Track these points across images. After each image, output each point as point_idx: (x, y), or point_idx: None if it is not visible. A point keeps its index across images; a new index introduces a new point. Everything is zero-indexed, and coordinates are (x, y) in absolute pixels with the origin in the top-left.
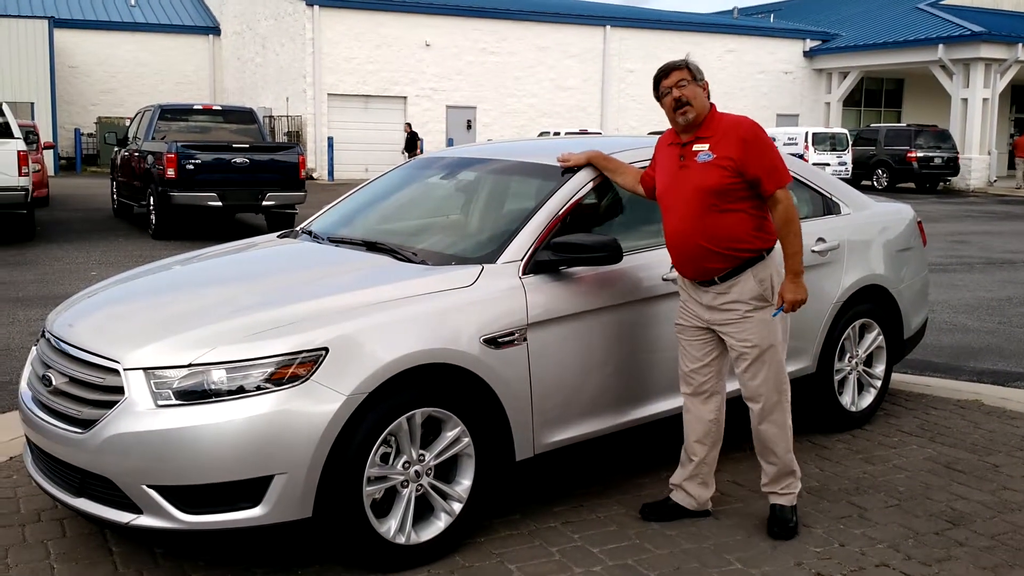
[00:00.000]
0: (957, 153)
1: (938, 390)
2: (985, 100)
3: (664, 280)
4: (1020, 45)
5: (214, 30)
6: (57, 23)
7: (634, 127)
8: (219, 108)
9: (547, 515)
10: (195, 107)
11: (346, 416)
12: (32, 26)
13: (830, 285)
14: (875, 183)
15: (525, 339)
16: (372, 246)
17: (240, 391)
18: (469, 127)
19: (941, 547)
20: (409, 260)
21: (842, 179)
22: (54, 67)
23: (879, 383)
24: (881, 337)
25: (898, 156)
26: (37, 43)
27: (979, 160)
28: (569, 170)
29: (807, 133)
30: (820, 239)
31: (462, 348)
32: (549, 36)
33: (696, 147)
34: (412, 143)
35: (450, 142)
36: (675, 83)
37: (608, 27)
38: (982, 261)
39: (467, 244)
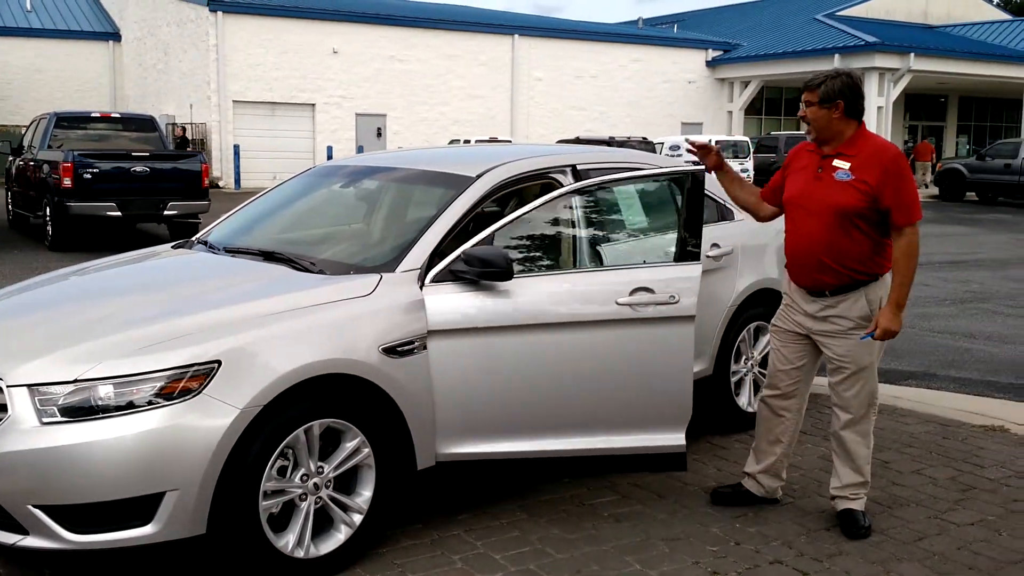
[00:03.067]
0: None
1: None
2: (880, 108)
3: (619, 304)
4: (912, 55)
5: (114, 36)
6: None
7: (543, 135)
8: (118, 116)
9: (450, 523)
10: (93, 115)
11: (240, 430)
12: None
13: (725, 289)
14: None
15: (426, 348)
16: (269, 256)
17: (129, 406)
18: (379, 135)
19: (832, 543)
20: (307, 270)
21: None
22: None
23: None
24: None
25: None
26: None
27: None
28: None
29: (710, 141)
30: (715, 244)
31: (360, 358)
32: (458, 44)
33: (837, 162)
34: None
35: (360, 150)
36: (805, 101)
37: (517, 36)
38: None
39: (366, 253)
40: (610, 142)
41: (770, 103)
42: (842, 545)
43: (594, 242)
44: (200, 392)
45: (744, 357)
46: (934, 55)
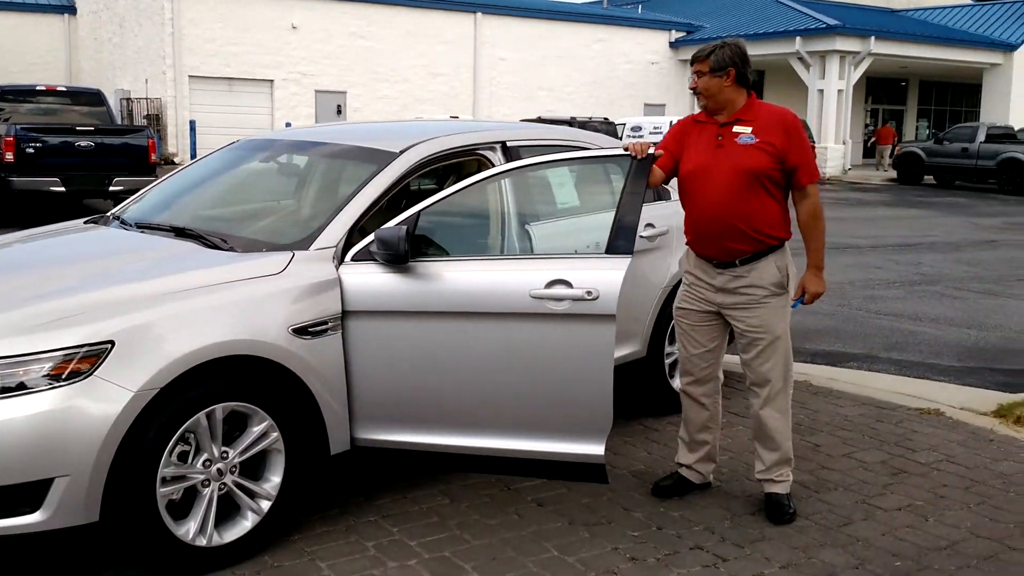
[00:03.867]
0: (814, 142)
1: None
2: (840, 91)
3: (532, 297)
4: (873, 38)
5: (70, 9)
6: None
7: (506, 114)
8: (64, 89)
9: (368, 509)
10: (38, 88)
11: (134, 413)
12: None
13: (659, 270)
14: None
15: (340, 329)
16: (180, 232)
17: (19, 388)
18: (339, 112)
19: (756, 528)
20: (217, 247)
21: None
22: None
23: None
24: None
25: None
26: None
27: (835, 149)
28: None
29: (671, 122)
30: (649, 224)
31: (268, 339)
32: (420, 21)
33: (737, 128)
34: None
35: (287, 126)
36: (695, 72)
37: (479, 14)
38: (829, 246)
39: (281, 230)
40: (571, 122)
41: None
42: (765, 530)
43: (522, 226)
44: (91, 374)
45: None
46: (895, 39)
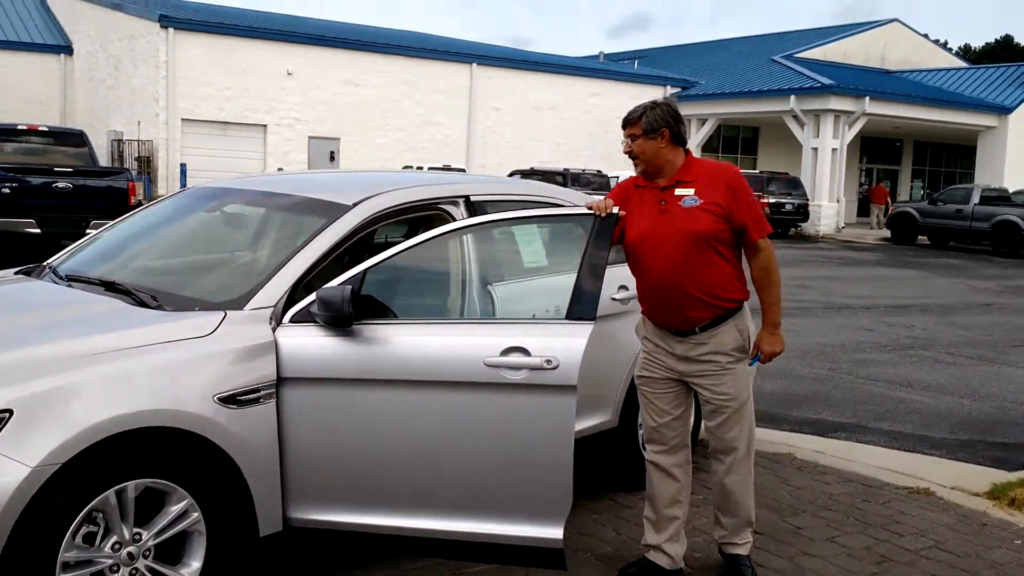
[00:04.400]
0: (807, 200)
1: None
2: (834, 150)
3: (487, 366)
4: (867, 98)
5: (66, 49)
6: None
7: (500, 164)
8: (46, 129)
9: None
10: (19, 127)
11: (32, 491)
12: None
13: (632, 335)
14: None
15: (275, 397)
16: (110, 287)
17: None
18: (332, 159)
19: None
20: (145, 304)
21: None
22: None
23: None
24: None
25: None
26: None
27: (828, 207)
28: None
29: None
30: (622, 287)
31: (189, 408)
32: (416, 70)
33: (680, 191)
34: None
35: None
36: (627, 135)
37: (475, 64)
38: (821, 306)
39: (217, 287)
40: (564, 174)
41: (727, 141)
42: None
43: (484, 287)
44: None
45: None
46: (889, 99)
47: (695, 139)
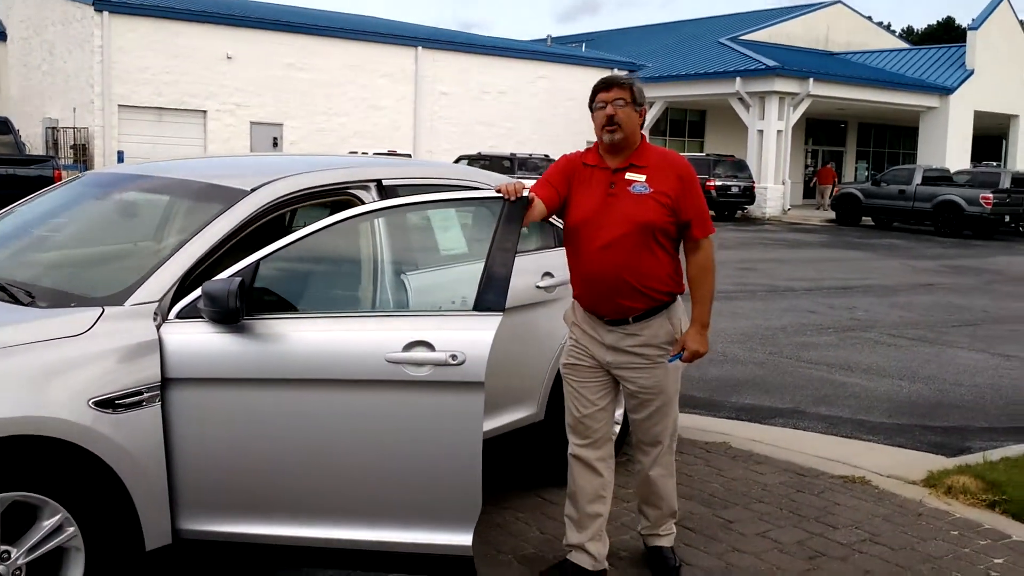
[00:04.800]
0: (754, 182)
1: (690, 431)
2: (779, 132)
3: (388, 362)
4: (811, 80)
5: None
6: None
7: (448, 149)
8: None
9: None
10: None
11: None
12: None
13: (558, 324)
14: None
15: (160, 400)
16: None
17: None
18: (275, 145)
19: None
20: (17, 300)
21: None
22: None
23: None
24: None
25: None
26: None
27: (774, 189)
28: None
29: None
30: (547, 274)
31: (61, 415)
32: (360, 54)
33: (630, 175)
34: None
35: (120, 157)
36: (612, 99)
37: (420, 48)
38: (765, 289)
39: (98, 281)
40: (511, 159)
41: (674, 124)
42: None
43: (397, 276)
44: None
45: None
46: (833, 81)
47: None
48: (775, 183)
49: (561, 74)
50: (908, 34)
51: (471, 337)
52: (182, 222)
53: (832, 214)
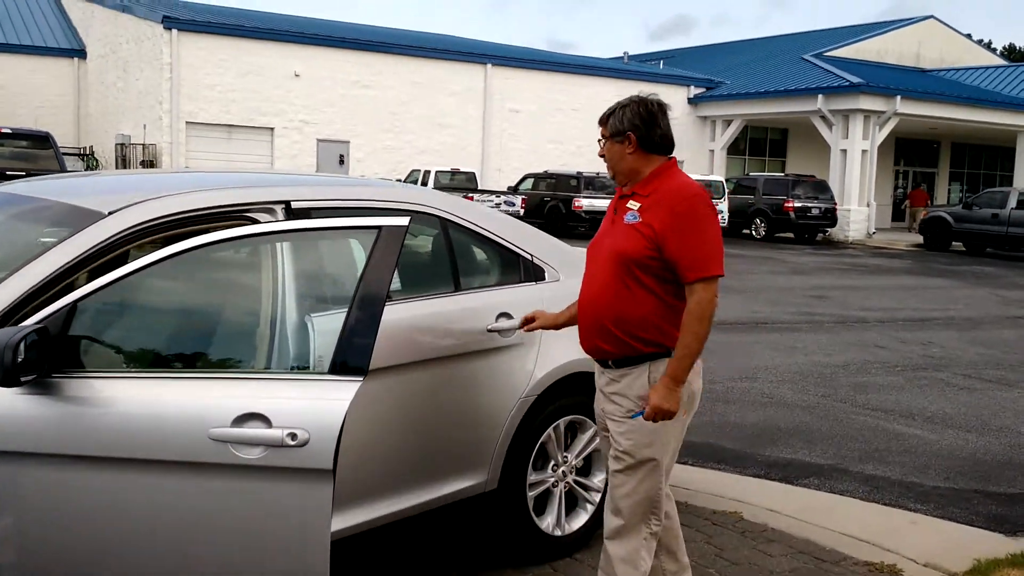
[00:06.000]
0: (835, 204)
1: (699, 495)
2: (864, 151)
3: (212, 440)
4: (899, 98)
5: (80, 53)
6: None
7: (516, 167)
8: (9, 131)
9: None
10: None
11: None
12: None
13: (515, 374)
14: (754, 232)
15: None
16: None
17: None
18: (342, 162)
19: None
20: None
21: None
22: None
23: (598, 496)
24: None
25: (776, 206)
26: None
27: (858, 212)
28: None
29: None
30: (504, 315)
31: None
32: (428, 72)
33: (630, 203)
34: None
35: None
36: (600, 135)
37: (489, 65)
38: (833, 319)
39: None
40: (578, 177)
41: (754, 143)
42: None
43: (297, 320)
44: None
45: (553, 463)
46: (922, 98)
47: (719, 141)
48: (859, 205)
49: (635, 91)
50: (1010, 52)
51: (318, 409)
52: (21, 249)
53: (918, 239)
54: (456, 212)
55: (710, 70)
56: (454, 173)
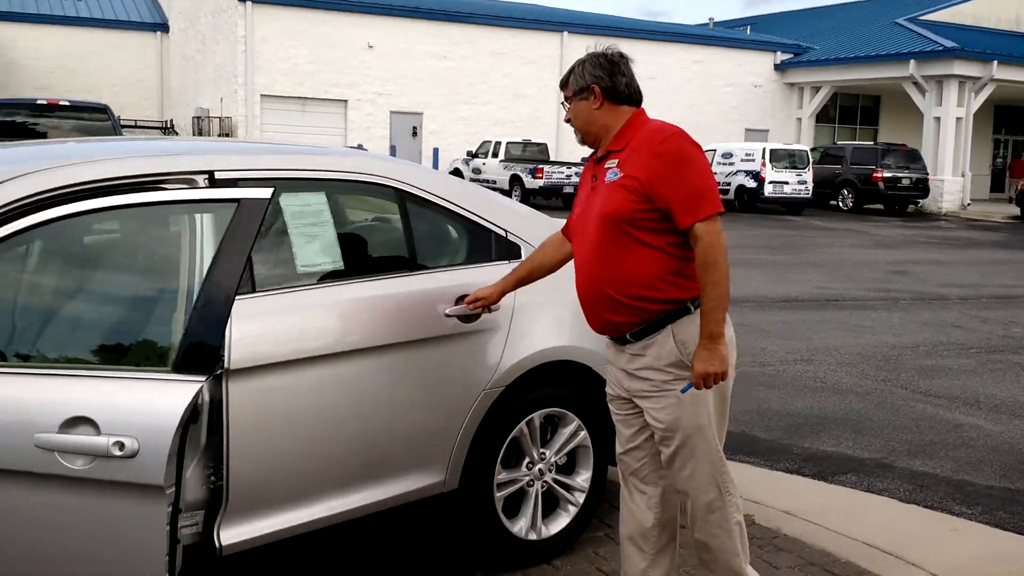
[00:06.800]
0: (927, 174)
1: None
2: (959, 119)
3: (38, 447)
4: (995, 63)
5: (163, 27)
6: None
7: None
8: (67, 103)
9: None
10: (38, 101)
11: None
12: None
13: (478, 364)
14: (840, 204)
15: None
16: None
17: None
18: (415, 134)
19: None
20: None
21: (801, 199)
22: None
23: (582, 497)
24: (584, 433)
25: (864, 176)
26: None
27: (952, 182)
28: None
29: (764, 149)
30: (463, 297)
31: None
32: (504, 41)
33: (608, 163)
34: None
35: (392, 150)
36: (564, 99)
37: (566, 33)
38: (910, 296)
39: None
40: None
41: (844, 111)
42: None
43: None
44: None
45: (527, 460)
46: (1021, 64)
47: (807, 109)
48: (953, 175)
49: (718, 58)
50: None
51: (152, 414)
52: None
53: (1014, 210)
54: (415, 183)
55: (798, 35)
56: (526, 144)
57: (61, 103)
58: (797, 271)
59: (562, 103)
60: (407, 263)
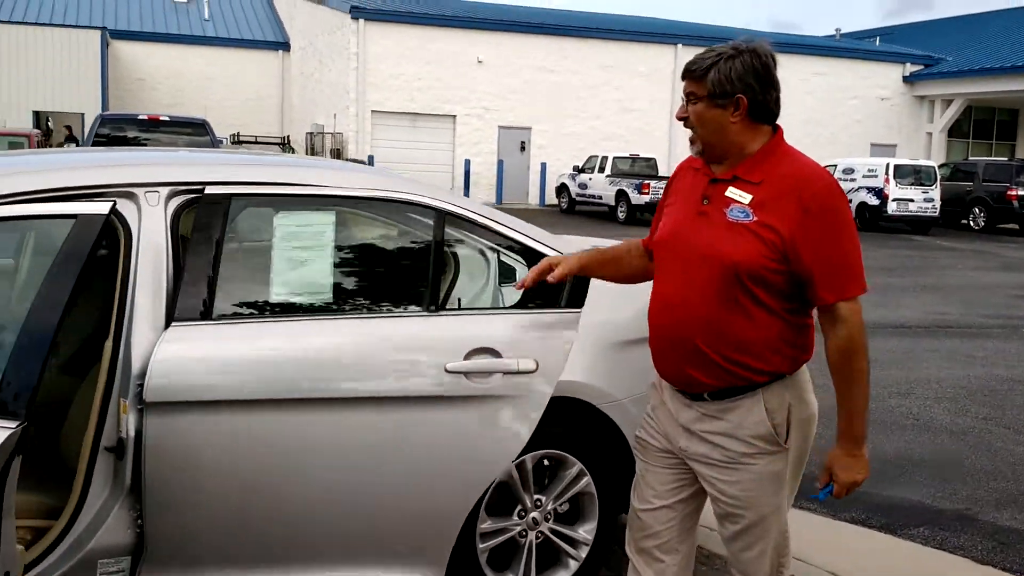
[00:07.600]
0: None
1: None
2: None
3: None
4: None
5: (284, 45)
6: (124, 35)
7: None
8: (167, 118)
9: None
10: (139, 117)
11: None
12: (85, 36)
13: (488, 437)
14: (972, 223)
15: None
16: None
17: None
18: (523, 149)
19: None
20: None
21: (928, 218)
22: (106, 78)
23: (586, 550)
24: (588, 479)
25: (997, 193)
26: (89, 53)
27: None
28: None
29: (888, 164)
30: (481, 350)
31: None
32: (614, 54)
33: (732, 192)
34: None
35: (500, 164)
36: (685, 92)
37: (680, 45)
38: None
39: None
40: None
41: (979, 125)
42: None
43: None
44: None
45: (519, 508)
46: None
47: (938, 123)
48: None
49: (841, 69)
50: None
51: None
52: None
53: None
54: (453, 201)
55: (930, 46)
56: (634, 159)
57: (162, 118)
58: (912, 295)
59: (684, 96)
60: (424, 299)
